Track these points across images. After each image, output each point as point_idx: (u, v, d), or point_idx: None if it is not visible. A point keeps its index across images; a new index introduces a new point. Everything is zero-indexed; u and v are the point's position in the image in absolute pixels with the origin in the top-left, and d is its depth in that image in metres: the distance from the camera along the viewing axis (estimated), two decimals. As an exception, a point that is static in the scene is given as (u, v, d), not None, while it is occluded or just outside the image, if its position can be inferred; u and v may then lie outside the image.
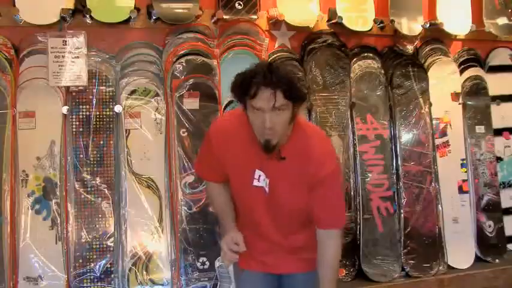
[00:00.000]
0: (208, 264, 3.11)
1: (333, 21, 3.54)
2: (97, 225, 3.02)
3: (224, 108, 3.25)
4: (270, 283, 2.18)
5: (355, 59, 3.63)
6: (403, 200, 3.60)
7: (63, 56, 3.00)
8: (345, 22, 3.51)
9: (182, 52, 3.20)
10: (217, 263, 3.05)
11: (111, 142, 3.09)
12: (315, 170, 1.93)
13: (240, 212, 2.20)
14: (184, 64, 3.18)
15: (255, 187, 1.98)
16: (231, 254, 2.09)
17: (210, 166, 2.15)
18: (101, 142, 3.07)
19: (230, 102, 3.26)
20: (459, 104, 3.87)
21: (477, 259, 3.79)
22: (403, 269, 3.55)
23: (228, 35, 3.35)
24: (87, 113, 3.07)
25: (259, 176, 1.96)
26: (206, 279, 3.11)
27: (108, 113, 3.09)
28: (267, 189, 1.97)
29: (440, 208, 3.71)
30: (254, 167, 1.96)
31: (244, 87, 1.81)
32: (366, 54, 3.68)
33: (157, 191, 3.10)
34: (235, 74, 1.90)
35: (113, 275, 3.01)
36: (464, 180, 3.83)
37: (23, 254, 2.89)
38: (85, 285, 2.96)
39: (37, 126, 2.98)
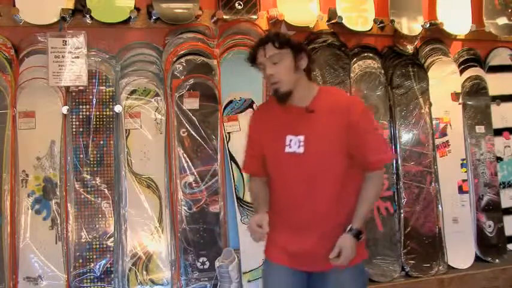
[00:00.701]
0: (208, 264, 3.11)
1: (333, 21, 3.54)
2: (97, 225, 3.02)
3: (224, 108, 3.25)
4: (298, 281, 2.15)
5: (355, 59, 3.63)
6: (403, 200, 3.60)
7: (63, 56, 3.00)
8: (345, 22, 3.51)
9: (182, 52, 3.20)
10: (217, 263, 3.05)
11: (111, 142, 3.09)
12: (347, 114, 2.03)
13: (274, 199, 2.18)
14: (184, 64, 3.18)
15: (287, 154, 2.06)
16: (257, 229, 2.06)
17: (253, 157, 2.25)
18: (101, 142, 3.07)
19: (230, 102, 3.27)
20: (459, 104, 3.87)
21: (477, 259, 3.78)
22: (403, 269, 3.55)
23: (228, 35, 3.35)
24: (87, 113, 3.07)
25: (290, 140, 2.05)
26: (206, 279, 3.11)
27: (108, 113, 3.09)
28: (300, 150, 2.04)
29: (440, 208, 3.72)
30: (285, 134, 2.07)
31: (250, 57, 2.13)
32: (366, 54, 3.68)
33: (157, 191, 3.10)
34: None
35: (112, 275, 3.01)
36: (464, 180, 3.83)
37: (23, 254, 2.89)
38: (85, 285, 2.96)
39: (37, 126, 2.98)
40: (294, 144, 2.05)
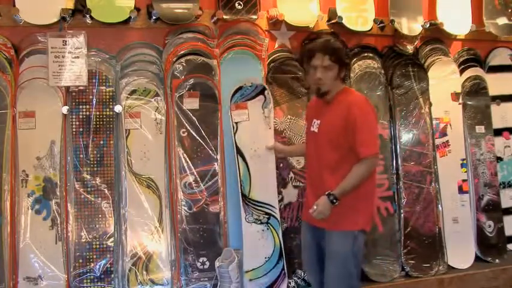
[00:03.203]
0: (208, 264, 3.12)
1: (333, 21, 3.54)
2: (97, 225, 3.02)
3: (232, 96, 3.20)
4: (315, 234, 2.72)
5: (355, 59, 3.63)
6: (403, 200, 3.60)
7: (63, 56, 3.00)
8: (345, 22, 3.51)
9: (182, 52, 3.20)
10: (217, 263, 3.05)
11: (111, 142, 3.09)
12: (348, 109, 2.58)
13: (305, 168, 3.00)
14: (184, 64, 3.18)
15: (311, 131, 2.75)
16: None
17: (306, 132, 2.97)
18: (101, 142, 3.07)
19: (239, 89, 3.21)
20: (459, 104, 3.87)
21: (477, 259, 3.79)
22: (403, 269, 3.55)
23: (228, 35, 3.35)
24: (87, 113, 3.07)
25: (314, 122, 2.73)
26: (206, 279, 3.11)
27: (108, 113, 3.09)
28: (316, 130, 2.70)
29: (440, 208, 3.72)
30: (314, 118, 2.75)
31: (307, 52, 2.69)
32: (366, 54, 3.68)
33: (157, 191, 3.10)
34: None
35: (112, 275, 3.01)
36: (464, 180, 3.83)
37: (23, 254, 2.89)
38: (85, 285, 2.96)
39: (37, 126, 2.98)
40: (315, 126, 2.71)
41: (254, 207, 3.16)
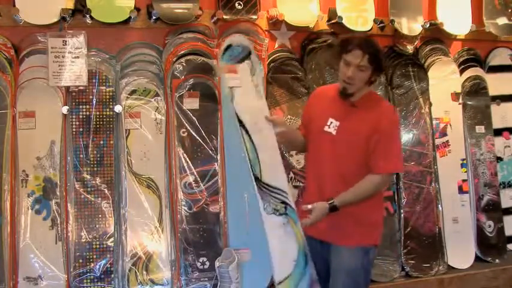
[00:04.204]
0: (208, 264, 3.11)
1: (333, 21, 3.54)
2: (97, 225, 3.02)
3: (223, 54, 3.05)
4: (319, 251, 2.56)
5: (355, 59, 3.63)
6: (403, 200, 3.60)
7: (63, 56, 3.00)
8: (345, 22, 3.51)
9: (182, 52, 3.20)
10: (217, 263, 3.05)
11: (111, 142, 3.09)
12: (378, 118, 2.41)
13: (308, 162, 2.65)
14: (184, 64, 3.18)
15: (325, 132, 2.48)
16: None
17: (303, 124, 2.74)
18: (101, 142, 3.07)
19: (229, 47, 3.07)
20: (459, 104, 3.88)
21: (477, 259, 3.79)
22: (403, 269, 3.55)
23: (228, 35, 3.35)
24: (87, 113, 3.07)
25: (331, 123, 2.46)
26: (206, 279, 3.11)
27: (108, 113, 3.09)
28: (334, 132, 2.46)
29: (440, 208, 3.72)
30: (329, 116, 2.48)
31: (345, 43, 2.40)
32: (366, 54, 3.68)
33: (157, 191, 3.10)
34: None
35: (112, 275, 3.01)
36: (464, 180, 3.83)
37: (23, 254, 2.89)
38: (85, 285, 2.96)
39: (37, 126, 2.98)
40: (332, 127, 2.46)
41: (270, 194, 2.70)
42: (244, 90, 2.85)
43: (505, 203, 4.01)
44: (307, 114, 2.69)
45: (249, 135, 2.76)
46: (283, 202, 2.70)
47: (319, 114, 2.55)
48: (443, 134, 3.82)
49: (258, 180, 2.71)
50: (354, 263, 2.44)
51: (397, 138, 2.54)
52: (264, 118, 2.75)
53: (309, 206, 2.39)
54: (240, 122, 2.81)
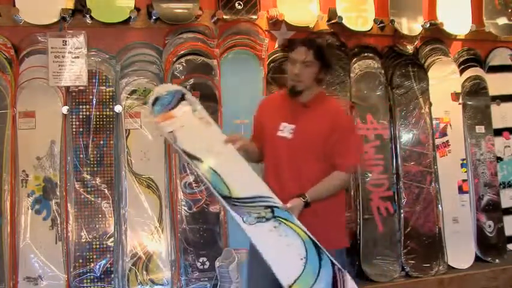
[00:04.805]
0: (208, 264, 3.11)
1: (333, 21, 3.54)
2: (97, 225, 3.02)
3: (152, 106, 2.55)
4: None
5: (355, 59, 3.63)
6: (403, 200, 3.60)
7: (63, 56, 3.00)
8: (345, 22, 3.51)
9: (182, 52, 3.20)
10: (217, 263, 3.05)
11: (111, 142, 3.09)
12: (335, 116, 2.42)
13: (266, 170, 2.55)
14: (184, 64, 3.18)
15: (279, 137, 2.43)
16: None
17: (253, 135, 2.65)
18: (101, 142, 3.07)
19: (156, 99, 2.60)
20: (459, 104, 3.88)
21: (477, 259, 3.79)
22: (403, 269, 3.55)
23: (228, 35, 3.35)
24: (87, 113, 3.07)
25: (284, 127, 2.42)
26: (206, 279, 3.11)
27: (108, 113, 3.09)
28: (289, 136, 2.41)
29: (440, 208, 3.72)
30: (281, 121, 2.44)
31: (289, 43, 2.45)
32: (365, 54, 3.68)
33: (157, 191, 3.10)
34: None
35: (112, 275, 3.01)
36: (464, 180, 3.83)
37: (23, 254, 2.89)
38: (85, 285, 2.96)
39: (37, 126, 2.98)
40: (286, 131, 2.42)
41: (247, 205, 2.47)
42: (188, 127, 2.59)
43: (505, 203, 4.01)
44: (258, 125, 2.59)
45: (202, 161, 2.49)
46: (267, 207, 2.43)
47: (270, 121, 2.50)
48: (443, 134, 3.82)
49: (228, 198, 2.46)
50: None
51: (357, 134, 2.58)
52: (220, 141, 2.52)
53: (288, 205, 2.32)
54: (190, 155, 2.50)
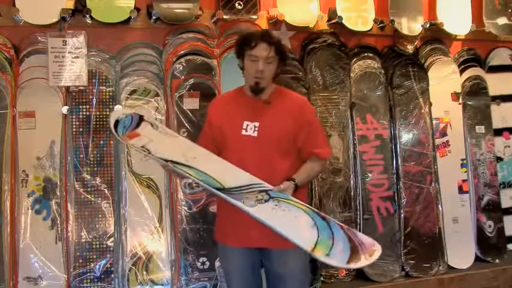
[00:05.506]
0: (208, 264, 3.11)
1: (333, 21, 3.54)
2: (97, 225, 3.02)
3: (115, 130, 2.53)
4: (250, 258, 2.42)
5: (355, 59, 3.63)
6: (403, 200, 3.60)
7: (63, 56, 3.00)
8: (345, 22, 3.51)
9: (182, 52, 3.20)
10: (217, 263, 3.05)
11: (111, 142, 3.09)
12: (301, 110, 2.42)
13: None
14: (184, 64, 3.18)
15: (243, 136, 2.38)
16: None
17: (207, 136, 2.54)
18: (101, 142, 3.07)
19: (117, 122, 2.56)
20: (459, 104, 3.88)
21: (477, 259, 3.79)
22: (403, 269, 3.55)
23: (228, 35, 3.35)
24: (87, 113, 3.07)
25: (247, 125, 2.38)
26: (206, 279, 3.11)
27: (108, 113, 3.09)
28: (254, 134, 2.37)
29: (440, 208, 3.72)
30: (243, 120, 2.39)
31: (247, 40, 2.35)
32: (366, 54, 3.68)
33: (157, 191, 3.10)
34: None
35: (112, 275, 3.01)
36: (464, 180, 3.83)
37: (23, 254, 2.89)
38: (85, 285, 2.96)
39: (37, 126, 2.98)
40: (250, 129, 2.38)
41: (242, 193, 2.43)
42: (157, 140, 2.59)
43: (505, 203, 4.01)
44: (214, 128, 2.48)
45: (188, 166, 2.49)
46: (261, 191, 2.42)
47: (230, 121, 2.43)
48: (443, 134, 3.82)
49: (223, 189, 2.45)
50: (300, 265, 2.39)
51: (321, 126, 2.66)
52: (190, 148, 2.52)
53: (282, 186, 2.30)
54: (173, 161, 2.48)
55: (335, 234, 2.29)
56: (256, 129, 2.37)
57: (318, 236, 2.29)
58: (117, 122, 2.60)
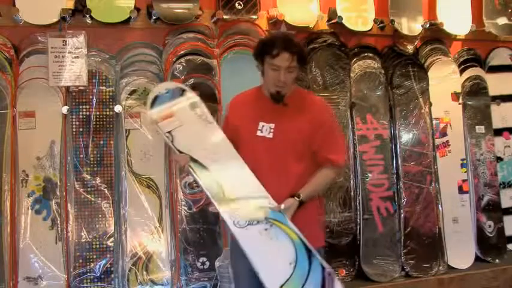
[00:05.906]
0: (208, 264, 3.11)
1: (333, 21, 3.54)
2: (97, 225, 3.02)
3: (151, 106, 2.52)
4: None
5: (355, 59, 3.63)
6: (403, 200, 3.60)
7: (63, 56, 3.00)
8: (345, 22, 3.51)
9: (182, 52, 3.20)
10: (217, 263, 3.05)
11: (111, 142, 3.09)
12: (317, 113, 2.37)
13: None
14: (184, 64, 3.18)
15: (258, 137, 2.35)
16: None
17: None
18: (101, 142, 3.07)
19: (156, 98, 2.53)
20: (459, 104, 3.88)
21: (477, 259, 3.79)
22: (403, 269, 3.55)
23: (228, 35, 3.35)
24: (87, 113, 3.07)
25: (263, 126, 2.35)
26: (206, 279, 3.11)
27: (108, 113, 3.09)
28: (270, 135, 2.33)
29: (440, 208, 3.72)
30: (259, 120, 2.36)
31: (268, 47, 2.28)
32: (366, 54, 3.68)
33: (157, 191, 3.11)
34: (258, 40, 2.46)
35: (112, 275, 3.01)
36: (464, 180, 3.83)
37: (23, 254, 2.89)
38: (85, 285, 2.96)
39: (37, 126, 2.98)
40: (265, 130, 2.35)
41: (240, 203, 2.38)
42: (186, 126, 2.52)
43: (505, 203, 4.01)
44: (231, 126, 2.45)
45: (203, 166, 2.45)
46: (262, 206, 2.35)
47: (246, 121, 2.40)
48: (443, 134, 3.82)
49: (221, 199, 2.40)
50: None
51: (338, 130, 2.54)
52: (216, 140, 2.47)
53: (282, 206, 2.25)
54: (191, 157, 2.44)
55: (311, 275, 2.25)
56: (272, 130, 2.34)
57: (291, 276, 2.25)
58: (156, 98, 2.52)
